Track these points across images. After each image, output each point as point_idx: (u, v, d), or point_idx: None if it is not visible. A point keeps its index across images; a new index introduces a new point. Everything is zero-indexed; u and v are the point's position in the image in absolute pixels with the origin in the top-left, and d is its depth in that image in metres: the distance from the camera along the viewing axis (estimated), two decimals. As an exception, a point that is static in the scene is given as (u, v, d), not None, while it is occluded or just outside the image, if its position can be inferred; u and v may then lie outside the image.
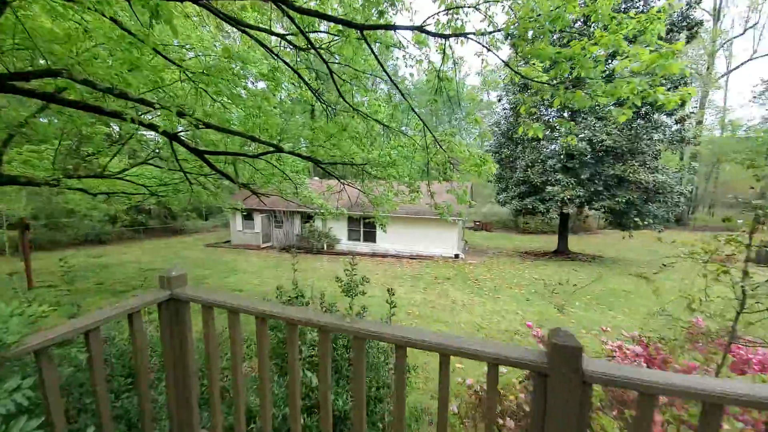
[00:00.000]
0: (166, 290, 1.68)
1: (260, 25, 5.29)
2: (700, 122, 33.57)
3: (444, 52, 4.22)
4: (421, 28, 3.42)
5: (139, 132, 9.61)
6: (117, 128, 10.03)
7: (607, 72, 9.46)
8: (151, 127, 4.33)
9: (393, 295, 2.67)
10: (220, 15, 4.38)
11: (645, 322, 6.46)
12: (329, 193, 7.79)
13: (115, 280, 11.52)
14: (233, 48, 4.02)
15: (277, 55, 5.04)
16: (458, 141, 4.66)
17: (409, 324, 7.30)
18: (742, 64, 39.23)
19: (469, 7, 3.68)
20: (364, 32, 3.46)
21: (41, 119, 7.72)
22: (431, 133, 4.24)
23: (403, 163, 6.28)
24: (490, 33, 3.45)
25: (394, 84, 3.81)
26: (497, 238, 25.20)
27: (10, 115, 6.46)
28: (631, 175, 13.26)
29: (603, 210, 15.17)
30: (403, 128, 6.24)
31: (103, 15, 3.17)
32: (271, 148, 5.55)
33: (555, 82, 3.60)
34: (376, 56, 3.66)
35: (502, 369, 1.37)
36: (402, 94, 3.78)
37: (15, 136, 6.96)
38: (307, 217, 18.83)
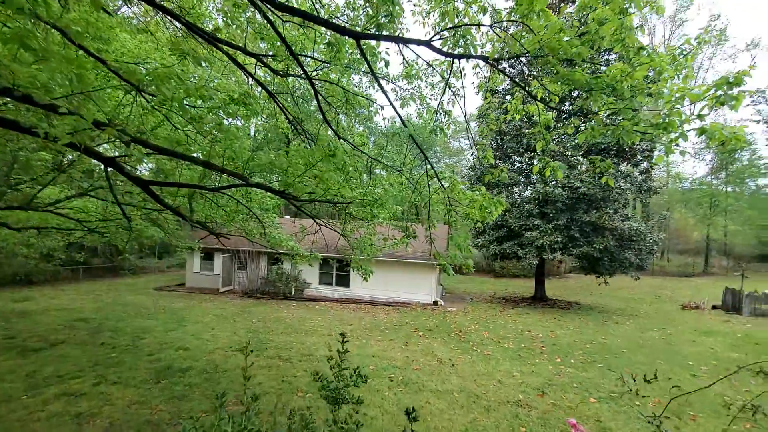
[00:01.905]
0: None
1: (232, 41, 4.62)
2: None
3: (447, 81, 3.68)
4: (428, 43, 2.84)
5: (95, 162, 8.33)
6: (70, 157, 8.67)
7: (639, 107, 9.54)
8: (73, 147, 3.32)
9: (415, 419, 1.67)
10: (182, 20, 3.65)
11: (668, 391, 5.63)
12: (303, 234, 6.81)
13: (33, 333, 9.36)
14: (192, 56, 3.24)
15: (250, 74, 4.32)
16: (459, 180, 4.01)
17: (393, 396, 6.09)
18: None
19: (479, 25, 3.19)
20: (361, 42, 2.83)
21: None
22: (432, 166, 3.55)
23: (390, 204, 5.54)
24: (514, 57, 2.91)
25: (392, 105, 3.16)
26: (473, 282, 24.64)
27: None
28: (606, 222, 13.42)
29: (578, 256, 15.13)
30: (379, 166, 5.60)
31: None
32: (237, 180, 4.64)
33: (575, 113, 3.15)
34: (372, 70, 3.01)
35: None
36: (401, 120, 3.12)
37: None
38: (274, 259, 17.32)
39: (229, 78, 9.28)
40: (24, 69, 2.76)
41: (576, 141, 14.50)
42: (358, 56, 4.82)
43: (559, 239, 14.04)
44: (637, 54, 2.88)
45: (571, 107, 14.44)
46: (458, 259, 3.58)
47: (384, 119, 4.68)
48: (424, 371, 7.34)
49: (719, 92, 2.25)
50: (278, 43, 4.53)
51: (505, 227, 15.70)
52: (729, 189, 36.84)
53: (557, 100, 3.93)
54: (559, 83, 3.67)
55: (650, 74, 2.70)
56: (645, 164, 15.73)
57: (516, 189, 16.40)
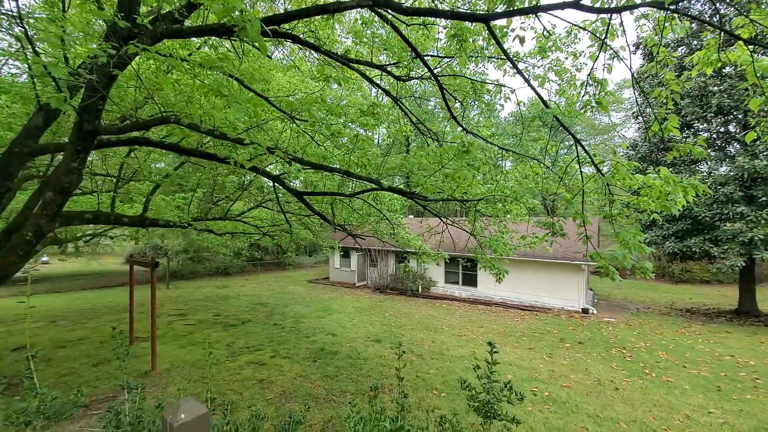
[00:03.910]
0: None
1: (360, 59, 5.00)
2: None
3: (603, 42, 2.99)
4: (577, 3, 2.34)
5: (264, 180, 10.63)
6: (249, 178, 11.25)
7: None
8: (254, 170, 4.19)
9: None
10: (321, 50, 4.11)
11: None
12: (430, 233, 6.84)
13: (230, 313, 12.46)
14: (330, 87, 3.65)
15: (377, 84, 4.57)
16: (624, 162, 3.21)
17: (539, 414, 5.43)
18: None
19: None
20: (491, 24, 2.57)
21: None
22: (585, 149, 2.94)
23: (526, 198, 4.97)
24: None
25: (530, 85, 2.75)
26: (637, 288, 20.04)
27: (156, 169, 7.57)
28: None
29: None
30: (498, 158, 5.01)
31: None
32: (370, 185, 5.00)
33: None
34: (504, 52, 2.68)
35: None
36: (542, 100, 2.69)
37: (161, 186, 8.20)
38: (401, 257, 18.17)
39: (354, 93, 10.23)
40: (219, 114, 3.62)
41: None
42: (481, 43, 4.50)
43: (780, 232, 9.96)
44: None
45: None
46: (627, 261, 2.85)
47: (519, 103, 4.17)
48: (576, 390, 6.31)
49: None
50: (397, 50, 4.66)
51: (688, 218, 12.11)
52: None
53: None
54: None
55: None
56: None
57: (703, 167, 12.43)
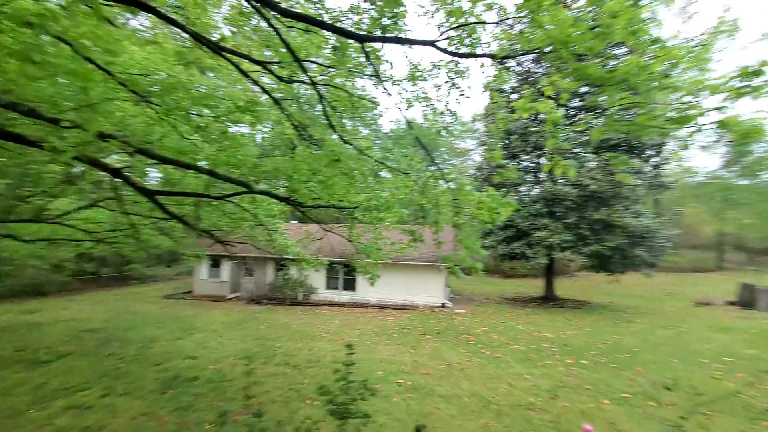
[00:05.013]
0: None
1: (237, 50, 4.64)
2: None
3: (453, 81, 3.63)
4: (433, 43, 2.80)
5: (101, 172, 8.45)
6: (80, 169, 8.69)
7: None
8: (79, 159, 3.33)
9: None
10: (187, 30, 3.66)
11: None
12: (309, 240, 6.79)
13: (42, 345, 9.39)
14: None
15: (254, 81, 4.33)
16: (467, 181, 3.95)
17: (402, 402, 6.00)
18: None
19: (484, 23, 3.13)
20: (366, 45, 2.79)
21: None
22: (439, 168, 3.50)
23: (397, 208, 5.50)
24: (523, 54, 2.85)
25: (397, 107, 3.12)
26: (481, 283, 24.40)
27: None
28: (616, 219, 13.26)
29: (589, 254, 14.95)
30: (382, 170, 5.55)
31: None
32: (241, 188, 4.62)
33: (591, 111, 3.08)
34: (377, 72, 2.97)
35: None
36: (407, 122, 3.08)
37: None
38: (280, 265, 17.33)
39: (235, 86, 9.35)
40: (31, 84, 2.78)
41: (585, 138, 14.41)
42: (363, 59, 4.81)
43: (568, 238, 13.88)
44: (651, 46, 2.81)
45: (580, 103, 14.35)
46: (467, 262, 3.52)
47: (390, 122, 4.68)
48: (432, 376, 7.24)
49: (743, 83, 2.15)
50: (283, 50, 4.53)
51: (512, 227, 15.58)
52: (743, 182, 35.91)
53: (568, 96, 3.87)
54: (569, 79, 3.61)
55: (662, 67, 2.63)
56: (655, 159, 15.48)
57: (524, 188, 16.29)
